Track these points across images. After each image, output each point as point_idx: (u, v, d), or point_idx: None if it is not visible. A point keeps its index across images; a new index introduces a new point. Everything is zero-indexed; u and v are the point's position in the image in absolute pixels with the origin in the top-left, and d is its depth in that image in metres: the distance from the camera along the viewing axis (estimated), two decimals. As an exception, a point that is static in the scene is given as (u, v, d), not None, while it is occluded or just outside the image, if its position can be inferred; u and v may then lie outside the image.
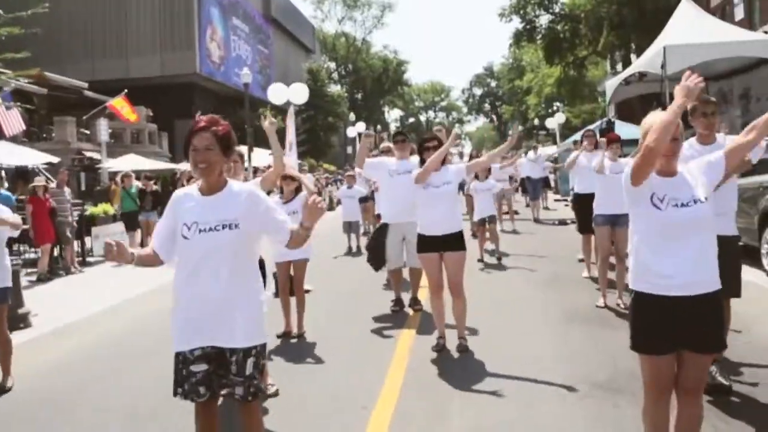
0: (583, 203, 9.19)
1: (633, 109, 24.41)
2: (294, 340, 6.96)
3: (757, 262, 9.25)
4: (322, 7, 66.62)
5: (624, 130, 20.93)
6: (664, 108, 3.49)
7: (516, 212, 18.29)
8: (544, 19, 41.06)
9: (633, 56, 36.20)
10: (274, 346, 6.63)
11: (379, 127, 74.33)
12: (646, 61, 15.42)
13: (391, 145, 8.34)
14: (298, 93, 21.94)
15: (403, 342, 6.74)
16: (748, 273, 7.25)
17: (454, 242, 6.09)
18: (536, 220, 18.59)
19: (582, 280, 9.61)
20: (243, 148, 29.70)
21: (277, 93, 21.90)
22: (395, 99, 78.68)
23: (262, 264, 4.58)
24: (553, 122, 38.68)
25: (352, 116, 46.10)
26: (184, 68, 34.37)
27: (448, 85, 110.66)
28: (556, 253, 12.35)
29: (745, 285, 5.14)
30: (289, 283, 6.99)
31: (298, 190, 6.92)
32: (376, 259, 8.11)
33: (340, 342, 6.88)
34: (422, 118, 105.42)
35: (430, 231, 6.14)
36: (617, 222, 7.66)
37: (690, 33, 14.61)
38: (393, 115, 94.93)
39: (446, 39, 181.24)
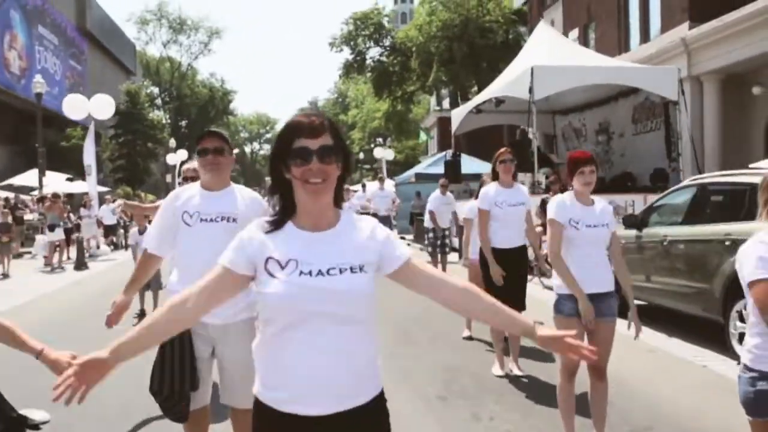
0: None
1: (482, 140, 24.24)
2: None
3: (721, 345, 6.78)
4: (146, 29, 63.39)
5: (471, 164, 20.56)
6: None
7: None
8: (374, 52, 41.16)
9: (459, 94, 37.03)
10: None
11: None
12: (507, 84, 14.65)
13: None
14: (102, 107, 19.42)
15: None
16: (713, 360, 6.60)
17: None
18: None
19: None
20: (33, 172, 26.72)
21: (75, 106, 19.30)
22: (220, 128, 75.97)
23: None
24: (381, 152, 38.60)
25: (172, 142, 43.45)
26: (-27, 77, 30.57)
27: (274, 117, 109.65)
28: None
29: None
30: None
31: None
32: None
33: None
34: (247, 149, 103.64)
35: None
36: None
37: (552, 56, 14.03)
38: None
39: (273, 70, 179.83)
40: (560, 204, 4.22)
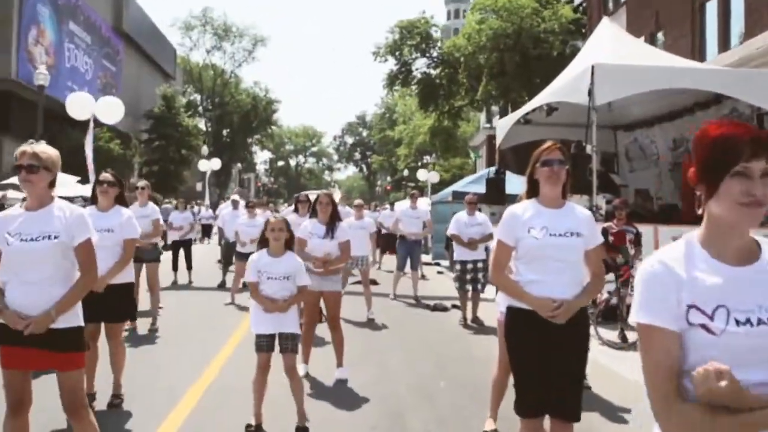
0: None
1: (526, 157, 21.59)
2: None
3: None
4: (190, 34, 62.10)
5: (517, 184, 17.77)
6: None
7: (374, 282, 13.79)
8: (420, 63, 38.80)
9: (510, 110, 34.43)
10: None
11: (239, 165, 70.13)
12: (561, 88, 11.95)
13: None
14: (109, 110, 17.31)
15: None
16: None
17: None
18: (417, 300, 12.82)
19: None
20: (66, 176, 25.01)
21: (79, 104, 17.16)
22: (264, 140, 74.83)
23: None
24: (425, 174, 36.30)
25: (205, 150, 41.63)
26: (-5, 72, 29.04)
27: (321, 130, 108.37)
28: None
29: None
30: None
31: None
32: None
33: None
34: (292, 162, 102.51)
35: None
36: None
37: (616, 55, 11.23)
38: (262, 156, 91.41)
39: (319, 82, 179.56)
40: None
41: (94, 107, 17.15)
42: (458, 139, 49.19)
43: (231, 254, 13.77)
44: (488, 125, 44.46)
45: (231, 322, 9.95)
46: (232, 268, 13.41)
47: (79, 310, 3.84)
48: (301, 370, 6.66)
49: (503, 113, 35.71)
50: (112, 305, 5.56)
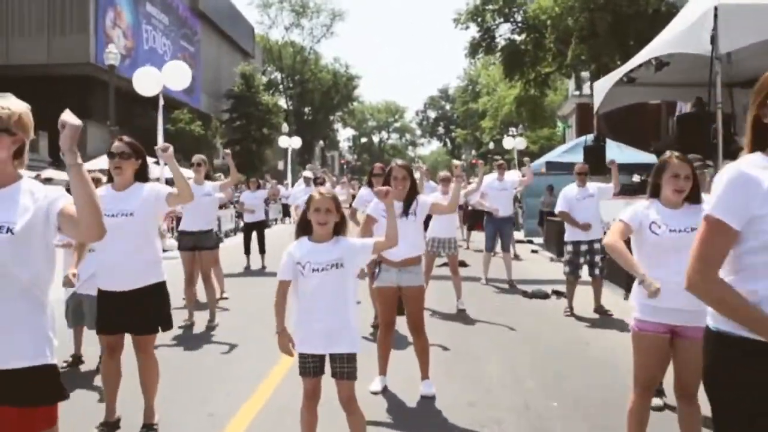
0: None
1: (631, 124, 19.56)
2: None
3: None
4: (268, 12, 61.59)
5: (618, 153, 16.07)
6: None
7: (463, 264, 12.57)
8: (504, 29, 36.78)
9: (601, 75, 32.13)
10: None
11: (321, 142, 69.59)
12: (675, 38, 9.91)
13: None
14: (175, 75, 16.40)
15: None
16: None
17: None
18: (511, 285, 11.38)
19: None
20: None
21: (146, 79, 16.29)
22: (346, 116, 74.09)
23: None
24: (511, 142, 34.43)
25: (285, 127, 40.88)
26: (75, 56, 28.88)
27: (403, 105, 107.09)
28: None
29: None
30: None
31: None
32: None
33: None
34: (375, 138, 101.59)
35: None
36: None
37: None
38: (344, 134, 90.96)
39: (400, 55, 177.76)
40: None
41: (160, 76, 16.30)
42: (545, 109, 46.89)
43: None
44: (577, 93, 42.07)
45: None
46: None
47: (51, 345, 2.62)
48: (376, 384, 5.49)
49: (594, 79, 33.37)
50: (138, 312, 4.49)
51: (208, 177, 8.90)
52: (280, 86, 62.02)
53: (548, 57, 35.19)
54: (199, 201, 7.14)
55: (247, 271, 13.35)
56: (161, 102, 16.74)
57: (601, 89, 13.85)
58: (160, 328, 4.64)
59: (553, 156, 19.77)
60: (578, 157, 16.07)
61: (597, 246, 8.89)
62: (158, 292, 4.63)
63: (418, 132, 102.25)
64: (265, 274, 12.86)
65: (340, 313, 3.81)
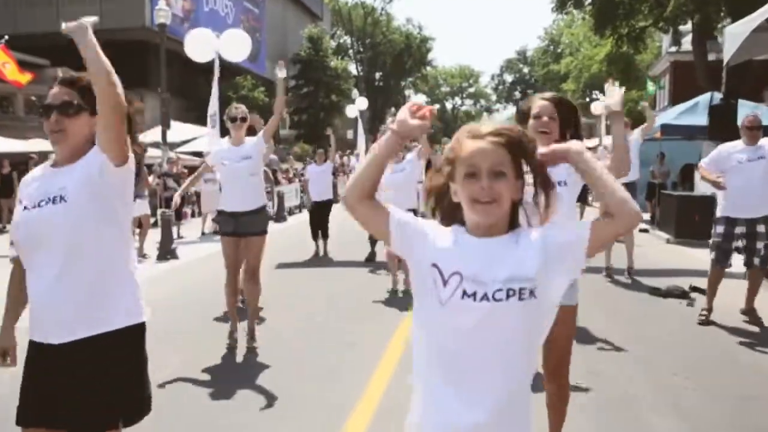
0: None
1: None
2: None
3: None
4: (336, -31, 58.92)
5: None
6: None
7: None
8: (595, -22, 33.27)
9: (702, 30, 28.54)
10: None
11: (393, 109, 67.15)
12: None
13: None
14: (234, 44, 14.19)
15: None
16: None
17: None
18: (630, 273, 9.65)
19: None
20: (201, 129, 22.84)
21: (199, 43, 14.08)
22: (419, 81, 71.30)
23: None
24: (600, 107, 31.10)
25: (355, 93, 38.36)
26: (129, 20, 27.09)
27: (478, 70, 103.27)
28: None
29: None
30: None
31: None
32: None
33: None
34: (448, 105, 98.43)
35: None
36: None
37: None
38: (416, 100, 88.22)
39: (475, 16, 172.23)
40: None
41: (216, 43, 14.22)
42: (636, 68, 43.20)
43: None
44: (674, 49, 38.34)
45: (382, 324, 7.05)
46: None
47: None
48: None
49: (699, 32, 29.72)
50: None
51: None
52: (350, 50, 59.60)
53: (644, 9, 31.71)
54: (235, 169, 5.94)
55: (316, 260, 11.83)
56: (218, 66, 14.57)
57: (734, 36, 11.00)
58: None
59: (668, 117, 16.71)
60: (699, 119, 13.70)
61: (762, 229, 6.85)
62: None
63: (494, 97, 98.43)
64: (330, 264, 11.43)
65: None
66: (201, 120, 26.11)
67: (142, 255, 11.77)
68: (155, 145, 20.99)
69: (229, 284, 6.23)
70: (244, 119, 6.13)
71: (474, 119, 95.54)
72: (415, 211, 7.95)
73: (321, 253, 12.05)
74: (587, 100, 55.93)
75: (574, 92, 58.21)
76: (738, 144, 7.02)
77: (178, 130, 23.20)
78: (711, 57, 28.51)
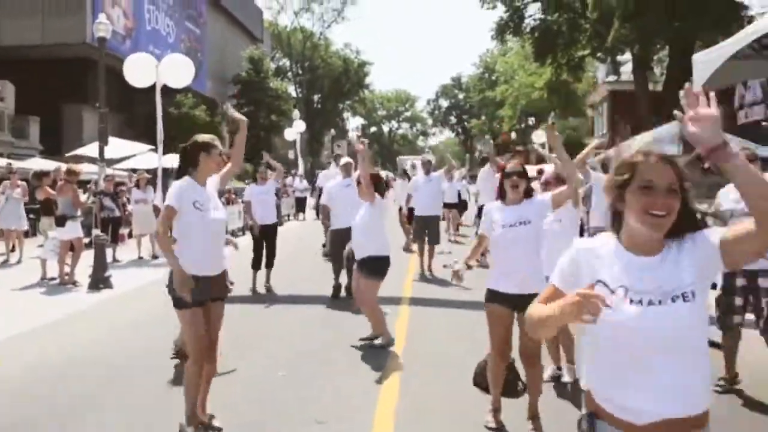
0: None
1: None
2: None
3: None
4: (277, -5, 58.81)
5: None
6: None
7: None
8: (534, 8, 34.03)
9: (640, 59, 29.38)
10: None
11: (332, 131, 67.07)
12: None
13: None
14: (176, 71, 14.14)
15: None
16: None
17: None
18: None
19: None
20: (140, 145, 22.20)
21: (139, 68, 13.92)
22: (356, 105, 71.49)
23: None
24: (541, 136, 31.56)
25: (296, 114, 38.14)
26: (70, 36, 26.25)
27: (414, 94, 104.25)
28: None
29: None
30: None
31: None
32: None
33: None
34: (385, 128, 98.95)
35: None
36: None
37: None
38: (353, 123, 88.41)
39: (412, 42, 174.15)
40: None
41: (157, 70, 14.03)
42: (576, 96, 44.20)
43: (344, 244, 8.81)
44: (614, 79, 39.43)
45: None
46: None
47: None
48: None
49: (639, 62, 30.52)
50: None
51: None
52: (289, 73, 59.26)
53: (582, 39, 32.45)
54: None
55: (254, 296, 10.05)
56: (159, 89, 14.23)
57: (705, 63, 11.20)
58: None
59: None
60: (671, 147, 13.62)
61: (764, 282, 5.44)
62: None
63: (429, 121, 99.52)
64: (273, 299, 9.70)
65: None
66: (140, 137, 25.51)
67: (72, 282, 10.99)
68: (92, 160, 20.35)
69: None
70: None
71: (410, 142, 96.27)
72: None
73: (261, 288, 10.36)
74: (522, 126, 56.99)
75: (510, 118, 59.12)
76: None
77: (117, 146, 22.53)
78: (650, 86, 29.42)
